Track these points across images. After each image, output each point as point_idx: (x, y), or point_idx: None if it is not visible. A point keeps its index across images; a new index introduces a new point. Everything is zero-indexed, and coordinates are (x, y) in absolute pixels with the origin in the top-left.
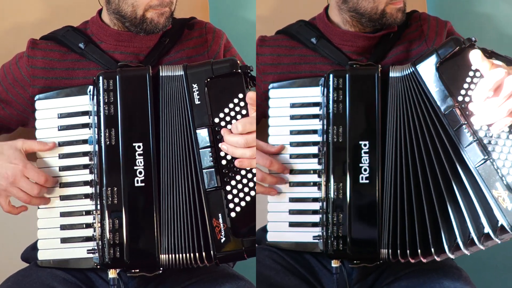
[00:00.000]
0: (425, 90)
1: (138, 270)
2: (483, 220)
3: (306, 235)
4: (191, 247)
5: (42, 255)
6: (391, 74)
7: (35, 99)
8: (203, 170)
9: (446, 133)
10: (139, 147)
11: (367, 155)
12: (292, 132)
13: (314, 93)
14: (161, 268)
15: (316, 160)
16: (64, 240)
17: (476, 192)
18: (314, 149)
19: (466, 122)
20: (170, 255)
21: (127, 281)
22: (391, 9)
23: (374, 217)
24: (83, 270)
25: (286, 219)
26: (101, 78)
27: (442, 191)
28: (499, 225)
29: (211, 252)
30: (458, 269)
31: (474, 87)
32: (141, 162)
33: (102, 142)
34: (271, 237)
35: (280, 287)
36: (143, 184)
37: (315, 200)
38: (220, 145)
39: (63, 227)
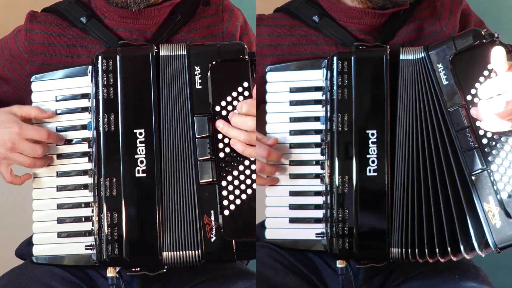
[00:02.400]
0: (434, 80)
1: (139, 269)
2: (471, 231)
3: (308, 232)
4: (187, 244)
5: (37, 251)
6: (402, 57)
7: (31, 80)
8: (198, 162)
9: (448, 132)
10: (140, 134)
11: (375, 145)
12: (291, 120)
13: (315, 77)
14: (166, 267)
15: (318, 150)
16: (61, 235)
17: (467, 201)
18: (316, 138)
19: (470, 125)
20: (172, 253)
21: (130, 280)
22: None
23: (383, 213)
24: (82, 267)
25: (286, 214)
26: (100, 58)
27: (438, 191)
28: (484, 239)
29: (198, 251)
30: (475, 268)
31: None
32: (142, 151)
33: (101, 128)
34: (269, 234)
35: (280, 287)
36: (144, 175)
37: (317, 193)
38: (216, 123)
39: (60, 220)
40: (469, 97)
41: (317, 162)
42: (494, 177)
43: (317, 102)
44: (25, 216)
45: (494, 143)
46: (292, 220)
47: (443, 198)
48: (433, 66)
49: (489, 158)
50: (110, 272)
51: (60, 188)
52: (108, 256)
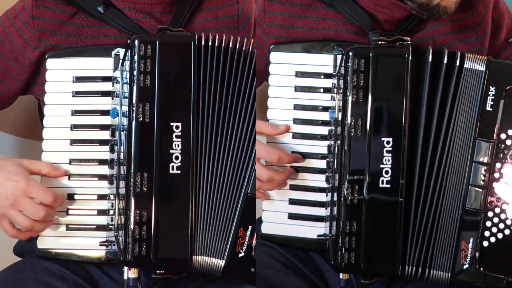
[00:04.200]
0: (479, 99)
1: (163, 271)
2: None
3: (308, 230)
4: (215, 251)
5: (42, 243)
6: (465, 65)
7: (46, 56)
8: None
9: (466, 159)
10: (177, 127)
11: (390, 154)
12: (296, 107)
13: (325, 62)
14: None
15: (324, 142)
16: (71, 227)
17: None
18: (322, 130)
19: (489, 164)
20: (201, 257)
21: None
22: (448, 2)
23: (395, 229)
24: (84, 265)
25: (285, 209)
26: (137, 42)
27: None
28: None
29: (222, 261)
30: None
31: None
32: (178, 146)
33: (134, 118)
34: (266, 228)
35: None
36: (178, 172)
37: (320, 190)
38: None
39: (71, 212)
40: (503, 136)
41: (323, 156)
42: (486, 223)
43: (325, 90)
44: None
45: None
46: (292, 216)
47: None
48: (486, 85)
49: (490, 204)
50: (133, 274)
51: (72, 177)
52: (133, 257)
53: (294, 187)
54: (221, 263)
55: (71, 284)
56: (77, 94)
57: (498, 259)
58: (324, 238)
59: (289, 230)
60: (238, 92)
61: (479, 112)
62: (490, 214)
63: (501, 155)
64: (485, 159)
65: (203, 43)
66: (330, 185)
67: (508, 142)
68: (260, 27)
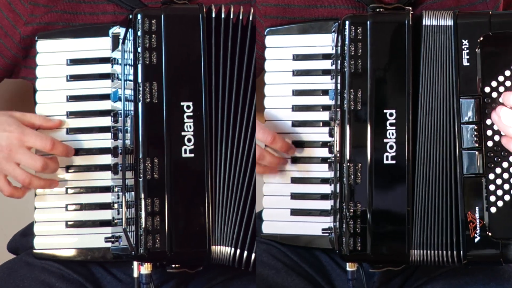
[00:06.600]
0: (453, 56)
1: (179, 265)
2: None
3: (313, 227)
4: (237, 241)
5: (39, 244)
6: (425, 22)
7: (36, 38)
8: None
9: (454, 122)
10: (188, 107)
11: (394, 127)
12: (295, 93)
13: (324, 42)
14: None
15: (325, 129)
16: (71, 224)
17: (456, 204)
18: (323, 115)
19: (479, 122)
20: (221, 247)
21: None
22: None
23: (403, 209)
24: (86, 264)
25: (287, 205)
26: (140, 16)
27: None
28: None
29: (243, 251)
30: (511, 266)
31: (510, 84)
32: (190, 127)
33: (140, 99)
34: (267, 227)
35: None
36: (192, 155)
37: (324, 181)
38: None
39: (70, 208)
40: (487, 89)
41: (325, 144)
42: (489, 187)
43: (325, 72)
44: (20, 201)
45: (499, 148)
46: (294, 212)
47: (440, 196)
48: (458, 39)
49: (489, 165)
50: (146, 269)
51: (70, 169)
52: (146, 250)
53: (295, 180)
54: (245, 254)
55: (71, 283)
56: (72, 78)
57: (510, 223)
58: (329, 231)
59: (292, 228)
60: (253, 67)
61: (456, 70)
62: (491, 176)
63: (490, 110)
64: (473, 118)
65: (212, 15)
66: (332, 171)
67: (494, 94)
68: (255, 8)
